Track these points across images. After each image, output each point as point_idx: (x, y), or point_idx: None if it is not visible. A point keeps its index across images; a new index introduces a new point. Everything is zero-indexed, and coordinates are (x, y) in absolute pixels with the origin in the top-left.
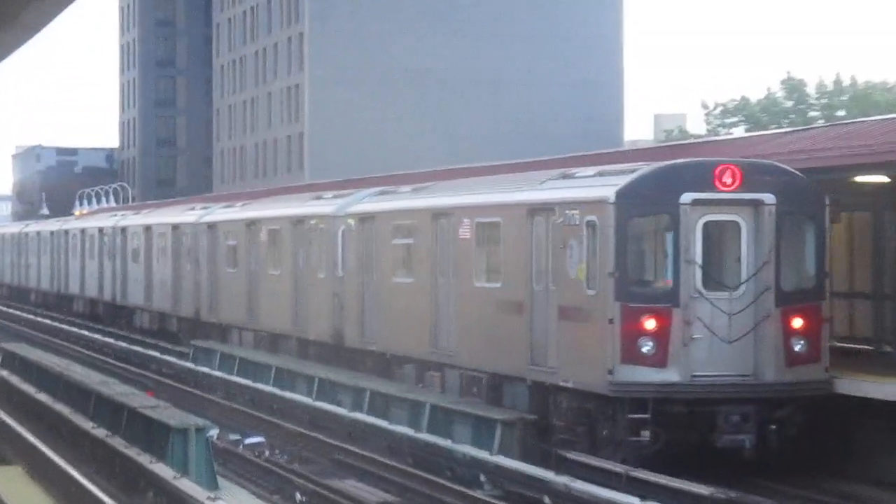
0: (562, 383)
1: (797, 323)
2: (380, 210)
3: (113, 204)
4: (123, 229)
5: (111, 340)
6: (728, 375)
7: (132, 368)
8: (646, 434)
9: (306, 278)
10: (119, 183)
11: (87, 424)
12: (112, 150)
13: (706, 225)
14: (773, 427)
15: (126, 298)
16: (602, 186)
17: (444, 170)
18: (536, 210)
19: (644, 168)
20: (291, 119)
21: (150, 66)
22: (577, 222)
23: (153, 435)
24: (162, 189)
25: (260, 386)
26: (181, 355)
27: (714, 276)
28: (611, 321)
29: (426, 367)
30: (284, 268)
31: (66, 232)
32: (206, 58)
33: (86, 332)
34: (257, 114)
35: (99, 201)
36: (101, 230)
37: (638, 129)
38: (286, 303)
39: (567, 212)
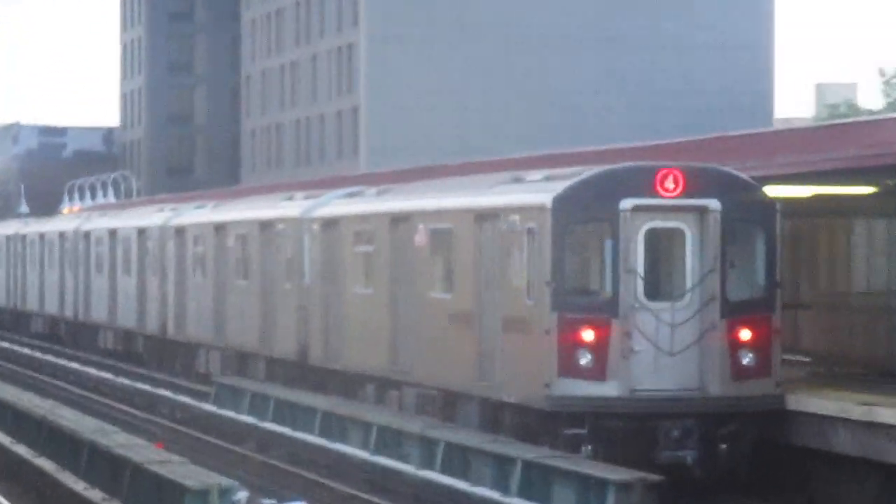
0: (504, 398)
1: (745, 335)
2: (342, 214)
3: (112, 199)
4: (86, 234)
5: (109, 376)
6: (670, 389)
7: (135, 412)
8: (586, 450)
9: (273, 289)
10: (120, 171)
11: (79, 485)
12: (110, 129)
13: (648, 232)
14: (724, 445)
15: (89, 315)
16: (540, 192)
17: (480, 162)
18: (484, 216)
19: (585, 172)
20: (343, 89)
21: (161, 21)
22: (519, 229)
23: (164, 498)
24: (175, 179)
25: (302, 435)
26: (200, 395)
27: (656, 286)
28: (547, 332)
29: (387, 386)
30: (252, 278)
31: (23, 237)
32: (233, 10)
33: (75, 365)
34: (298, 82)
35: (94, 195)
36: (61, 234)
37: (796, 102)
38: (254, 317)
39: (510, 218)
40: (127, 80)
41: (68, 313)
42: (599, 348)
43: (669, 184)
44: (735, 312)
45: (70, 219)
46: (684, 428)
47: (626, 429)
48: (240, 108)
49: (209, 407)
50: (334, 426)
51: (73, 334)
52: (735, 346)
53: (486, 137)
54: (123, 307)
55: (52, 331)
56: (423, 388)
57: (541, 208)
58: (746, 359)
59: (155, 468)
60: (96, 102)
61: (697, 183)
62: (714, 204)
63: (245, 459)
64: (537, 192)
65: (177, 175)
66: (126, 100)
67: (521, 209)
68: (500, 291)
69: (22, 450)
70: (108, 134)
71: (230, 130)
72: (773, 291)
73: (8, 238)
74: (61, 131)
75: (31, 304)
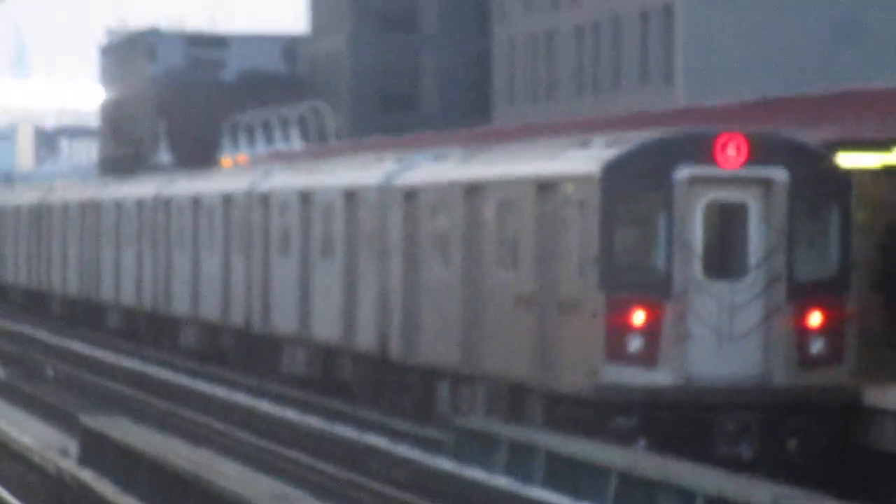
0: (559, 389)
1: (814, 319)
2: (420, 183)
3: (297, 144)
4: (167, 202)
5: (294, 415)
6: (729, 378)
7: (331, 469)
8: (641, 444)
9: (357, 270)
10: (308, 102)
11: None
12: (294, 38)
13: (707, 205)
14: (791, 441)
15: (170, 306)
16: (591, 160)
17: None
18: (544, 186)
19: (640, 138)
20: None
21: None
22: (572, 200)
23: None
24: (392, 114)
25: None
26: (430, 445)
27: (715, 264)
28: (595, 314)
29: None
30: (336, 257)
31: (98, 206)
32: None
33: (242, 398)
34: None
35: (271, 138)
36: (140, 202)
37: None
38: (336, 304)
39: (564, 188)
40: None
41: (147, 305)
42: (651, 332)
43: (731, 151)
44: (803, 294)
45: (237, 173)
46: (741, 421)
47: (680, 420)
48: (490, 9)
49: (446, 463)
50: (636, 494)
51: (153, 330)
52: (803, 331)
53: (811, 67)
54: (207, 295)
55: (129, 326)
56: (491, 384)
57: (589, 178)
58: (816, 345)
59: None
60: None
61: (762, 151)
62: (781, 174)
63: None
64: (589, 159)
65: (396, 108)
66: None
67: (574, 179)
68: (556, 271)
69: None
70: (289, 46)
71: (474, 42)
72: (846, 271)
73: (82, 206)
74: (220, 42)
75: (106, 294)
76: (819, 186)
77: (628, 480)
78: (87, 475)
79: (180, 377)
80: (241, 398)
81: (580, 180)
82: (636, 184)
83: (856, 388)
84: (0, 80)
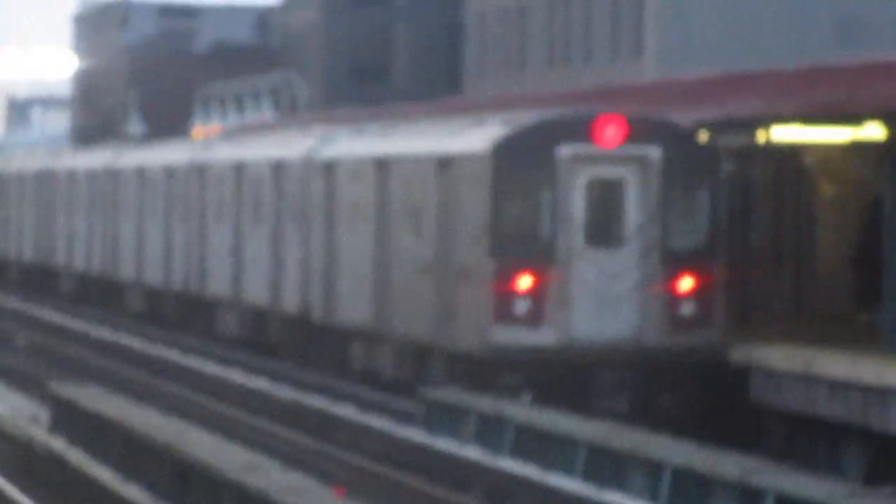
0: (456, 349)
1: (685, 284)
2: (338, 156)
3: (269, 115)
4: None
5: (262, 385)
6: (607, 338)
7: (301, 438)
8: (527, 398)
9: (283, 238)
10: (280, 73)
11: None
12: (266, 9)
13: (587, 180)
14: (666, 394)
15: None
16: (484, 139)
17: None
18: (443, 163)
19: (527, 119)
20: None
21: None
22: (467, 175)
23: None
24: (364, 85)
25: (558, 481)
26: (397, 415)
27: (595, 234)
28: (486, 278)
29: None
30: (264, 225)
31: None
32: None
33: (192, 363)
34: None
35: (242, 109)
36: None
37: None
38: (265, 269)
39: (461, 165)
40: None
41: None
42: (536, 296)
43: (610, 131)
44: (675, 261)
45: (181, 146)
46: (617, 377)
47: (562, 377)
48: None
49: (417, 433)
50: (605, 466)
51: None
52: (675, 295)
53: (784, 40)
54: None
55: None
56: (399, 343)
57: (482, 155)
58: (687, 308)
59: None
60: None
61: (638, 131)
62: (655, 152)
63: None
64: (482, 138)
65: (367, 80)
66: None
67: (468, 156)
68: (454, 240)
69: (136, 494)
70: (262, 17)
71: (446, 14)
72: (715, 240)
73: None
74: (192, 12)
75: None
76: (690, 163)
77: (598, 452)
78: (57, 444)
79: (151, 347)
80: (211, 368)
81: (473, 158)
82: (523, 161)
83: (723, 348)
84: None
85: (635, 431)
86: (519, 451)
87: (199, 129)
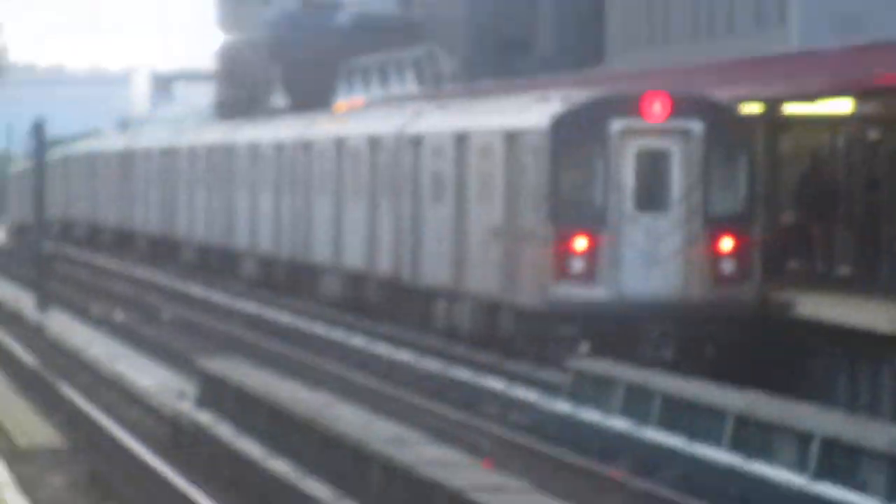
0: (520, 304)
1: (725, 245)
2: (423, 131)
3: (412, 88)
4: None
5: (408, 358)
6: (655, 294)
7: (448, 412)
8: (583, 348)
9: (378, 208)
10: (425, 46)
11: None
12: None
13: (637, 152)
14: (710, 345)
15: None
16: (543, 115)
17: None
18: (510, 136)
19: (582, 96)
20: None
21: None
22: (529, 148)
23: None
24: (508, 56)
25: (705, 451)
26: (543, 386)
27: (643, 200)
28: (546, 242)
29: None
30: (361, 196)
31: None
32: None
33: (358, 341)
34: None
35: (385, 82)
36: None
37: None
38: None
39: (524, 138)
40: None
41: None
42: (590, 256)
43: (656, 107)
44: (716, 225)
45: (286, 123)
46: (664, 329)
47: (614, 329)
48: None
49: (563, 406)
50: (752, 436)
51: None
52: (716, 255)
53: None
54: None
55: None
56: (473, 301)
57: (541, 130)
58: (727, 267)
59: (483, 498)
60: None
61: (682, 107)
62: (698, 126)
63: (614, 487)
64: (542, 114)
65: (510, 51)
66: None
67: (530, 131)
68: (518, 207)
69: (281, 467)
70: None
71: None
72: (752, 206)
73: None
74: None
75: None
76: (729, 136)
77: (745, 422)
78: (204, 418)
79: (298, 320)
80: (358, 341)
81: (534, 132)
82: (578, 135)
83: (758, 301)
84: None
85: (783, 401)
86: (665, 422)
87: (341, 103)
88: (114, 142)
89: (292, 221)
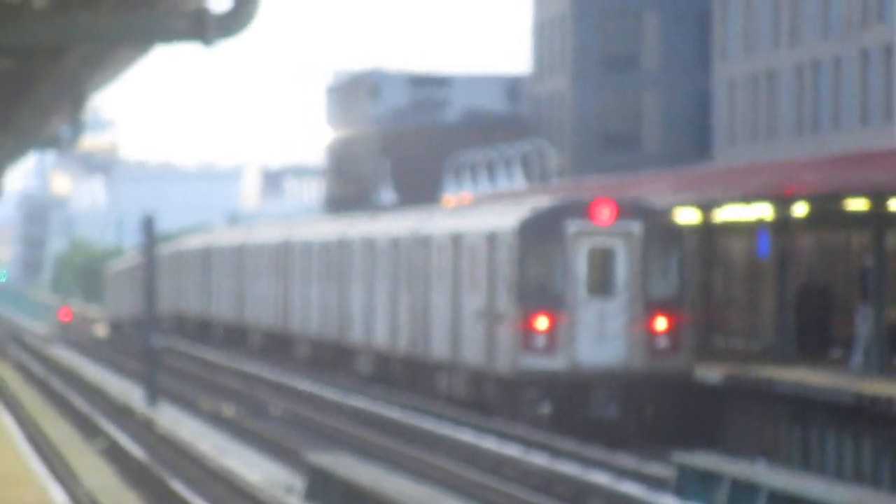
0: (494, 372)
1: (661, 324)
2: (432, 233)
3: (521, 183)
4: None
5: (515, 452)
6: (603, 364)
7: None
8: (545, 406)
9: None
10: (532, 142)
11: None
12: (516, 78)
13: (589, 248)
14: (650, 406)
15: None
16: (513, 217)
17: None
18: (489, 236)
19: (544, 202)
20: (869, 17)
21: None
22: (500, 244)
23: None
24: (613, 151)
25: None
26: (649, 481)
27: (594, 287)
28: (513, 320)
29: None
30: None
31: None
32: None
33: (445, 430)
34: (800, 7)
35: (494, 177)
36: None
37: None
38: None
39: (498, 236)
40: (542, 9)
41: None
42: (551, 333)
43: (604, 212)
44: (653, 307)
45: (405, 218)
46: (610, 392)
47: (570, 392)
48: (711, 48)
49: (668, 500)
50: None
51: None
52: (652, 332)
53: None
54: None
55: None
56: (465, 370)
57: (512, 231)
58: (662, 342)
59: None
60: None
61: (626, 211)
62: (638, 227)
63: None
64: (513, 218)
65: (616, 147)
66: (539, 34)
67: (504, 231)
68: (496, 292)
69: None
70: (512, 86)
71: (695, 81)
72: (683, 291)
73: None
74: (444, 81)
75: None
76: (663, 235)
77: None
78: None
79: (405, 415)
80: (466, 436)
81: (507, 232)
82: (541, 235)
83: (689, 371)
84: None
85: (889, 496)
86: None
87: (449, 198)
88: (228, 237)
89: (411, 317)
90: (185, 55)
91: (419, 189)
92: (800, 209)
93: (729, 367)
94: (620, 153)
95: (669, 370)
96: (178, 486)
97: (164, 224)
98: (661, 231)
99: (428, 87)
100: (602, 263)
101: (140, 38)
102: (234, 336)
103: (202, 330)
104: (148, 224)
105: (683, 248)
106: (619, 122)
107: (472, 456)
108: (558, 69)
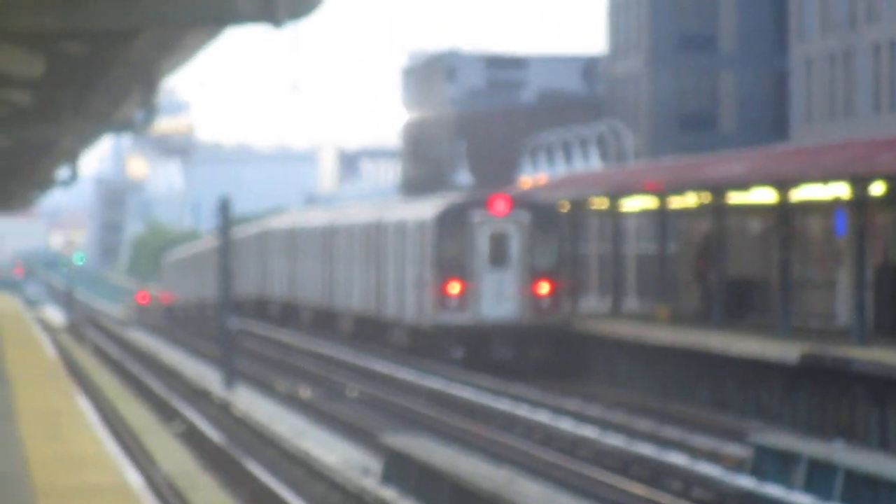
0: (415, 324)
1: (544, 288)
2: (387, 220)
3: (596, 164)
4: (384, 226)
5: (590, 434)
6: (501, 318)
7: (627, 486)
8: (457, 352)
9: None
10: (608, 123)
11: None
12: (592, 59)
13: (490, 233)
14: (535, 350)
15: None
16: (430, 210)
17: None
18: (416, 223)
19: (454, 197)
20: None
21: None
22: (422, 230)
23: None
24: (689, 132)
25: None
26: (719, 460)
27: (494, 260)
28: (433, 285)
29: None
30: (411, 263)
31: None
32: None
33: (542, 418)
34: None
35: (570, 158)
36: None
37: None
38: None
39: (419, 224)
40: None
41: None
42: (461, 295)
43: (500, 204)
44: (538, 276)
45: (386, 205)
46: (507, 339)
47: (476, 340)
48: (788, 28)
49: (745, 481)
50: None
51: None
52: (538, 295)
53: None
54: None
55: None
56: (395, 322)
57: (430, 220)
58: (545, 303)
59: None
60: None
61: (517, 204)
62: (527, 216)
63: None
64: (431, 209)
65: (693, 128)
66: (617, 13)
67: (424, 220)
68: (421, 266)
69: None
70: (588, 66)
71: (772, 60)
72: (561, 264)
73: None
74: (520, 62)
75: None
76: (547, 222)
77: None
78: (389, 494)
79: (482, 396)
80: (542, 417)
81: (426, 221)
82: (452, 223)
83: (567, 324)
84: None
85: None
86: (849, 497)
87: (525, 179)
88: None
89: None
90: (259, 37)
91: (495, 171)
92: (877, 188)
93: (805, 347)
94: (697, 134)
95: (551, 322)
96: (255, 469)
97: (240, 206)
98: (545, 219)
99: (504, 68)
100: (499, 243)
101: (209, 21)
102: (323, 321)
103: (288, 313)
104: (224, 207)
105: (562, 232)
106: (696, 102)
107: (548, 437)
108: (634, 49)
